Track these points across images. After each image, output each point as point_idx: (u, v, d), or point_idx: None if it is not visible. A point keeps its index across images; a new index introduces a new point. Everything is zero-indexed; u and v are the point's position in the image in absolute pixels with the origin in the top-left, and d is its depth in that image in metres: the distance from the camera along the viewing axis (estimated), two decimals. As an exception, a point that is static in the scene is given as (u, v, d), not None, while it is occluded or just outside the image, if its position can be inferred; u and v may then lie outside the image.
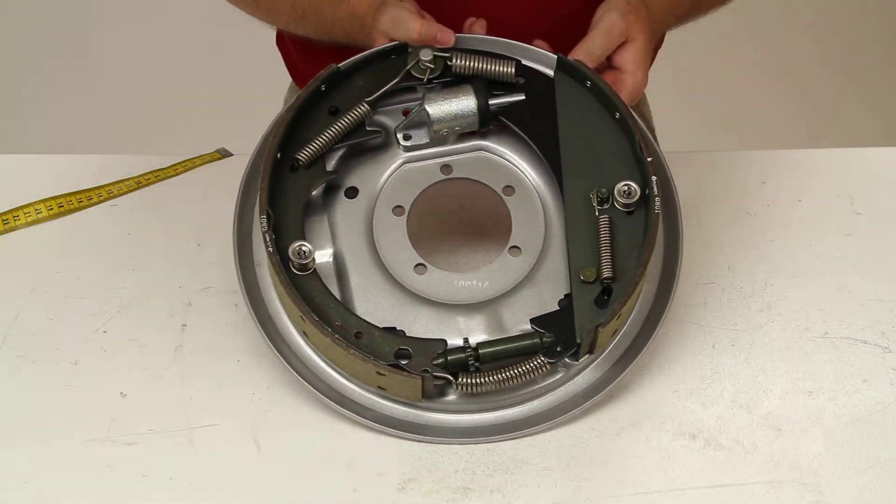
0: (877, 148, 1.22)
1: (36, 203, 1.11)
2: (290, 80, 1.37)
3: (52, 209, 1.11)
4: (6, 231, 1.09)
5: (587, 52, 0.99)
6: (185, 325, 1.00)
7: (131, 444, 0.91)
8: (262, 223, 0.89)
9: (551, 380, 0.91)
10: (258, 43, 1.42)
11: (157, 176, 1.16)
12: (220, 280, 1.03)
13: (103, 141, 2.43)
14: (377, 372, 0.86)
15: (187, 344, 0.99)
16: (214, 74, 2.59)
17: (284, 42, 1.32)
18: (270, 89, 1.50)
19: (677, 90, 1.56)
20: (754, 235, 1.09)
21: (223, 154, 1.20)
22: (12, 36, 2.70)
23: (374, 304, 0.92)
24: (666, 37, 1.28)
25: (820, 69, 2.67)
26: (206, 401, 0.94)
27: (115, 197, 1.13)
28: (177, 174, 1.16)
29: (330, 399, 0.91)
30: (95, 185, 1.14)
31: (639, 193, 0.91)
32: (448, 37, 0.97)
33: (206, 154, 1.20)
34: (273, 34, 1.29)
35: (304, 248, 0.90)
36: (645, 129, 0.95)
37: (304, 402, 0.94)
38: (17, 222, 1.10)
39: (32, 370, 0.97)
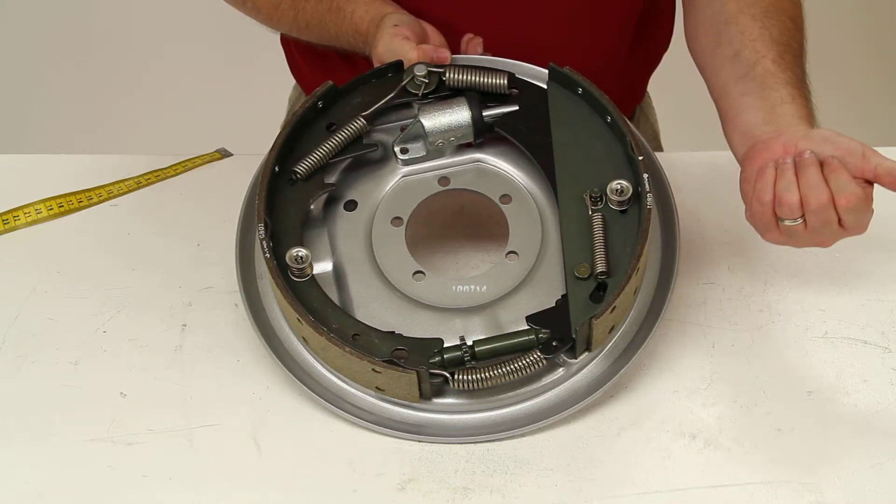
0: (876, 148, 1.21)
1: (36, 203, 1.11)
2: (292, 81, 1.37)
3: (52, 209, 1.11)
4: (6, 231, 1.09)
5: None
6: (185, 325, 1.00)
7: (131, 444, 0.91)
8: (259, 231, 0.90)
9: (551, 378, 0.91)
10: (259, 43, 1.42)
11: (157, 176, 1.16)
12: (220, 280, 1.03)
13: (103, 141, 2.43)
14: (373, 369, 0.86)
15: (187, 344, 0.99)
16: (215, 74, 2.59)
17: (288, 43, 1.32)
18: (271, 89, 1.50)
19: (678, 90, 1.56)
20: (754, 235, 1.09)
21: (223, 154, 1.20)
22: (12, 36, 2.70)
23: (374, 311, 0.92)
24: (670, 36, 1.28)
25: (819, 69, 2.67)
26: (206, 401, 0.94)
27: (115, 197, 1.13)
28: (177, 174, 1.16)
29: (330, 403, 0.91)
30: (95, 185, 1.14)
31: (631, 191, 0.92)
32: (444, 55, 0.99)
33: (206, 154, 1.20)
34: (275, 34, 1.29)
35: (300, 253, 0.91)
36: (636, 131, 0.96)
37: (305, 402, 0.94)
38: (17, 222, 1.10)
39: (32, 370, 0.97)
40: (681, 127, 1.58)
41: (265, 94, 1.61)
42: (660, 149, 1.36)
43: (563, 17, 1.13)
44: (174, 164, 1.17)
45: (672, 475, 0.88)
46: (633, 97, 1.32)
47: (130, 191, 1.14)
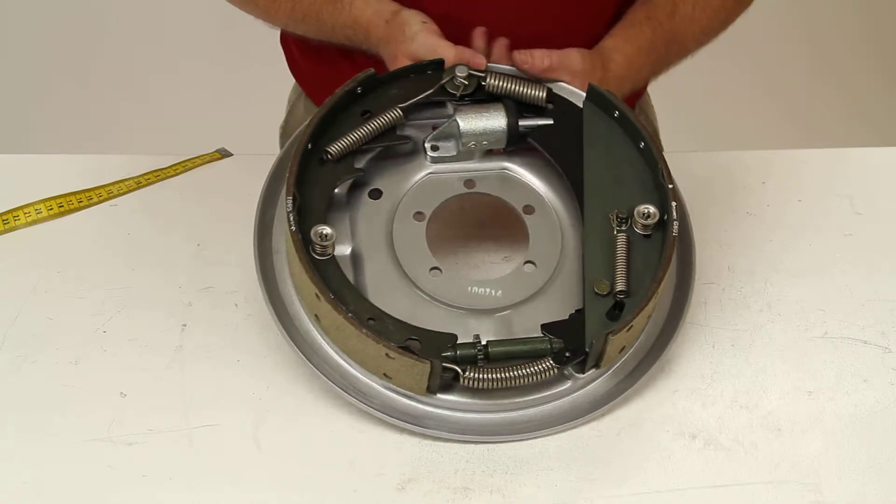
0: (877, 148, 1.22)
1: (36, 203, 1.11)
2: (292, 80, 1.37)
3: (52, 209, 1.11)
4: (6, 231, 1.09)
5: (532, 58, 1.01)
6: (185, 325, 1.00)
7: (131, 444, 0.91)
8: (287, 203, 0.90)
9: (557, 389, 0.91)
10: (259, 42, 1.42)
11: (157, 176, 1.16)
12: (220, 280, 1.03)
13: (103, 141, 2.43)
14: (387, 354, 0.86)
15: (187, 344, 0.99)
16: (214, 74, 2.59)
17: (288, 42, 1.32)
18: (271, 89, 1.50)
19: (678, 90, 1.56)
20: (754, 235, 1.09)
21: (223, 154, 1.20)
22: (13, 36, 2.70)
23: (386, 300, 0.92)
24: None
25: (819, 69, 2.68)
26: (206, 401, 0.94)
27: (115, 197, 1.13)
28: (177, 174, 1.17)
29: (335, 384, 0.91)
30: (95, 185, 1.14)
31: (657, 217, 0.93)
32: (480, 61, 0.99)
33: (206, 154, 1.20)
34: (275, 33, 1.29)
35: (325, 231, 0.91)
36: (664, 159, 0.97)
37: (305, 401, 0.94)
38: (17, 222, 1.10)
39: (32, 370, 0.97)
40: (681, 127, 1.58)
41: (265, 94, 1.61)
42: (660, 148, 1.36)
43: (562, 9, 1.13)
44: (174, 164, 1.17)
45: (672, 475, 0.88)
46: (634, 92, 1.32)
47: (130, 191, 1.14)
